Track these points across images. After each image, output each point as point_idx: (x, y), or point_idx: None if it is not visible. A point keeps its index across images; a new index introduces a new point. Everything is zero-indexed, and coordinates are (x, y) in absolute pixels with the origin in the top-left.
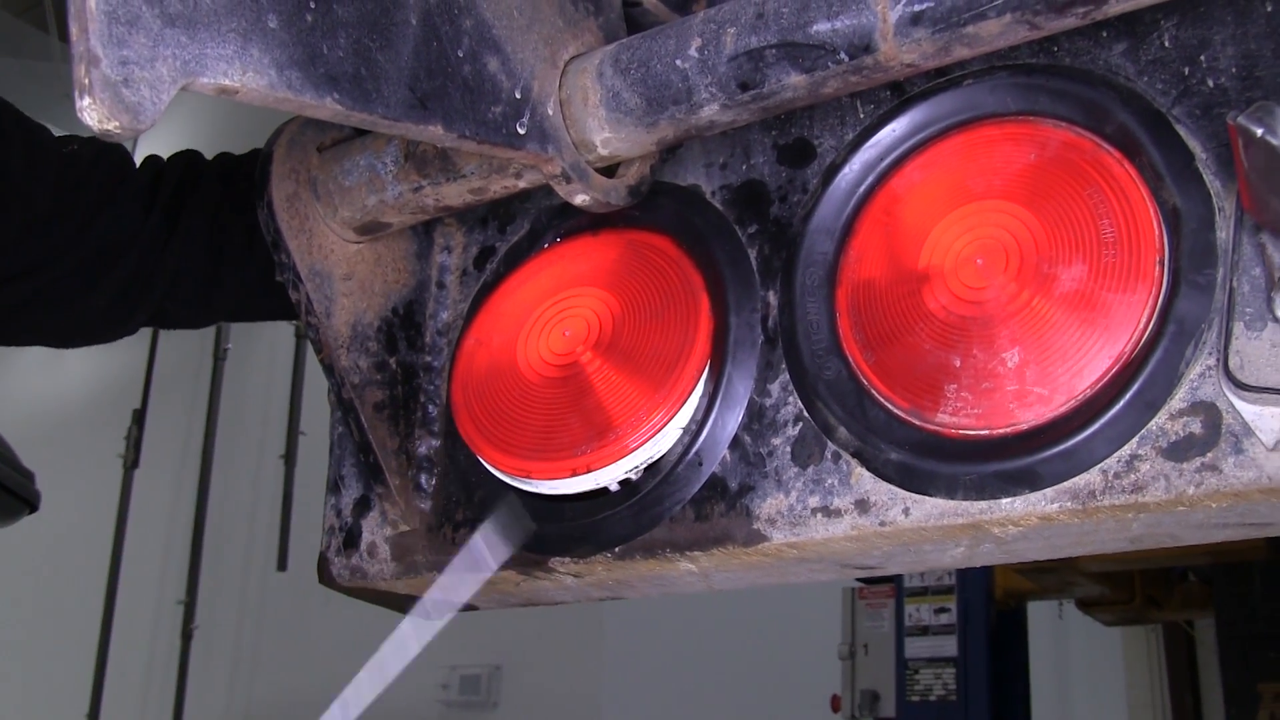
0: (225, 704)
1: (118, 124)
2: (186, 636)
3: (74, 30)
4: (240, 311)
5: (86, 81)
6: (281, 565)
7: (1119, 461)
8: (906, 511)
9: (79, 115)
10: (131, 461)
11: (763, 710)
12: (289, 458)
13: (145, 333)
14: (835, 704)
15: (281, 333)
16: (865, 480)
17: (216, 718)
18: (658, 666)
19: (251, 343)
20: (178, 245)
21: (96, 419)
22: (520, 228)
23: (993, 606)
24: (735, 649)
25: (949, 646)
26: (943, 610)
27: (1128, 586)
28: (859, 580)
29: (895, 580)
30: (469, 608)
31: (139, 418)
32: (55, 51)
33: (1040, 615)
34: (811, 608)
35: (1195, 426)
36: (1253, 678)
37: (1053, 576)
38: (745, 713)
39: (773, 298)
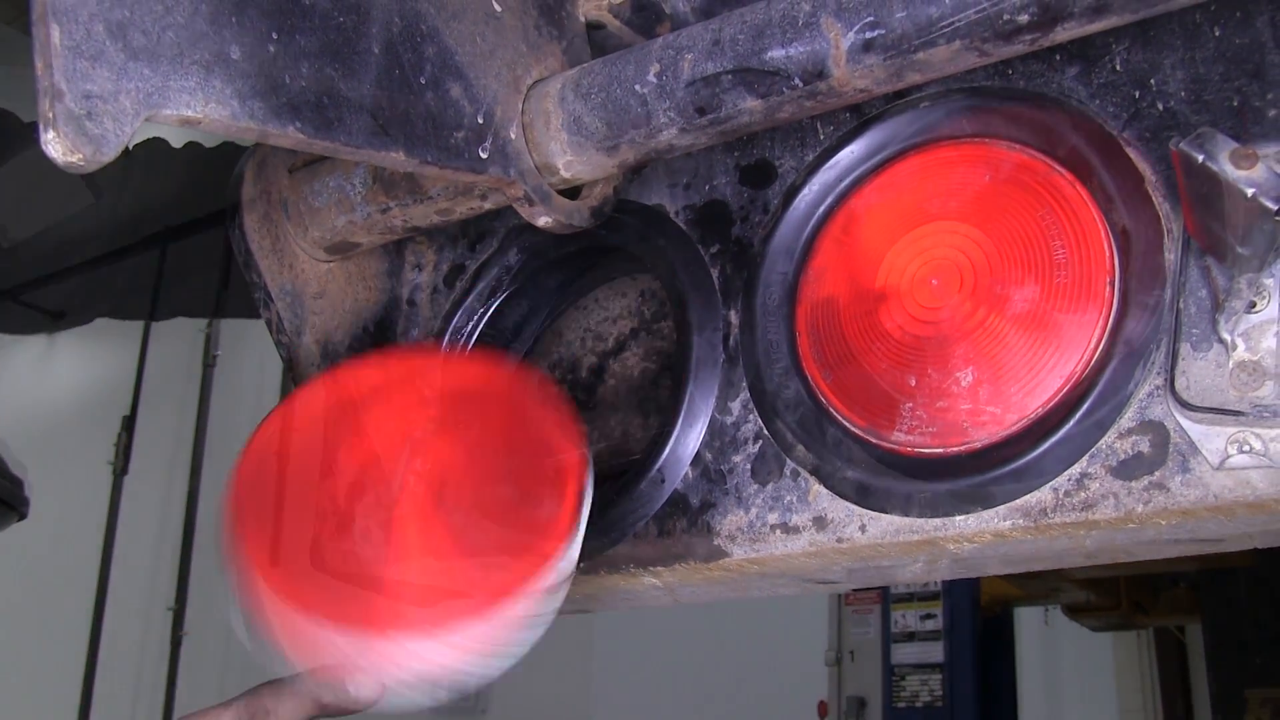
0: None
1: (81, 156)
2: (176, 643)
3: (39, 65)
4: None
5: (51, 115)
6: None
7: (1069, 480)
8: (863, 528)
9: (44, 148)
10: (121, 468)
11: (750, 716)
12: None
13: (134, 339)
14: (822, 710)
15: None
16: (823, 498)
17: None
18: (646, 672)
19: (241, 349)
20: None
21: (86, 425)
22: (490, 245)
23: (979, 612)
24: (723, 655)
25: (936, 652)
26: (929, 616)
27: (1114, 592)
28: None
29: (881, 586)
30: None
31: (128, 424)
32: (48, 46)
33: (1028, 621)
34: (798, 614)
35: (1144, 446)
36: (1239, 683)
37: (1039, 582)
38: (733, 718)
39: (734, 317)
